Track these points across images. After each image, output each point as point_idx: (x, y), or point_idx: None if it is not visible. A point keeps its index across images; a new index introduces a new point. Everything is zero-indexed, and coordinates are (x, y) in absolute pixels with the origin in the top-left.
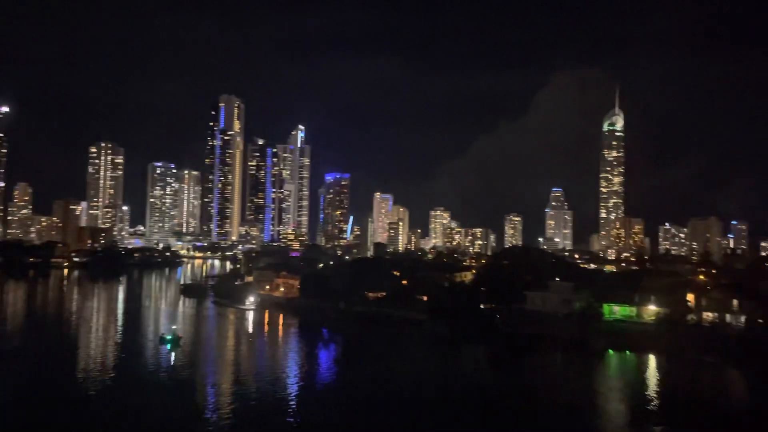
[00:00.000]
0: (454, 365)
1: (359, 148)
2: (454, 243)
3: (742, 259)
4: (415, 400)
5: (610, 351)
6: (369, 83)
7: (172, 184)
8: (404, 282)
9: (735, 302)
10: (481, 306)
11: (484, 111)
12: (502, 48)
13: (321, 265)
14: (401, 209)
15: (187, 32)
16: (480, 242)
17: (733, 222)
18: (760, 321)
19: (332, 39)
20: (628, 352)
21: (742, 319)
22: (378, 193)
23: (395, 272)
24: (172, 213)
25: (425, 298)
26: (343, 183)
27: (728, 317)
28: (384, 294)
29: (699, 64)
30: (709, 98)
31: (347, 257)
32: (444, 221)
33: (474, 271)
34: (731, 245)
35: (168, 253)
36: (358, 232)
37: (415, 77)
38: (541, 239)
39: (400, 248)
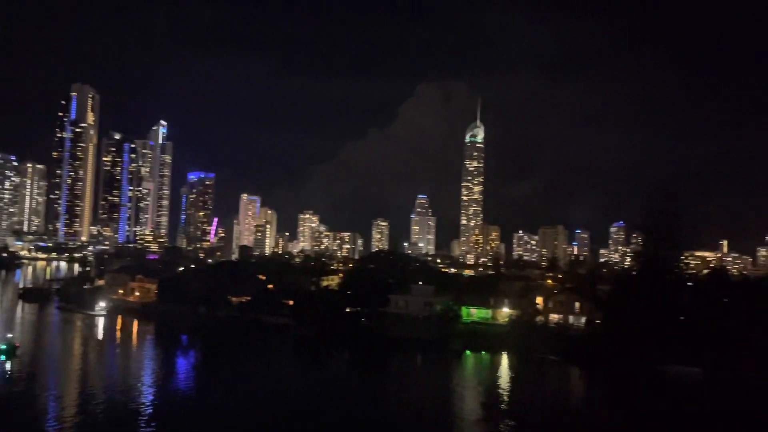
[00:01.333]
0: (318, 369)
1: (226, 147)
2: (323, 247)
3: (584, 264)
4: (274, 406)
5: (468, 351)
6: (239, 82)
7: (12, 178)
8: (270, 286)
9: (577, 304)
10: (348, 309)
11: (354, 117)
12: (373, 56)
13: (181, 269)
14: (269, 212)
15: (41, 15)
16: (348, 246)
17: (577, 231)
18: (597, 321)
19: (201, 35)
20: (483, 352)
21: (583, 319)
22: (245, 195)
23: (261, 276)
24: (11, 210)
25: (291, 303)
26: (207, 183)
27: (571, 318)
28: (249, 298)
29: (552, 85)
30: (559, 116)
31: (210, 260)
32: (313, 225)
33: (341, 275)
34: (575, 252)
35: (5, 254)
36: (223, 235)
37: (286, 79)
38: (406, 244)
39: (267, 251)
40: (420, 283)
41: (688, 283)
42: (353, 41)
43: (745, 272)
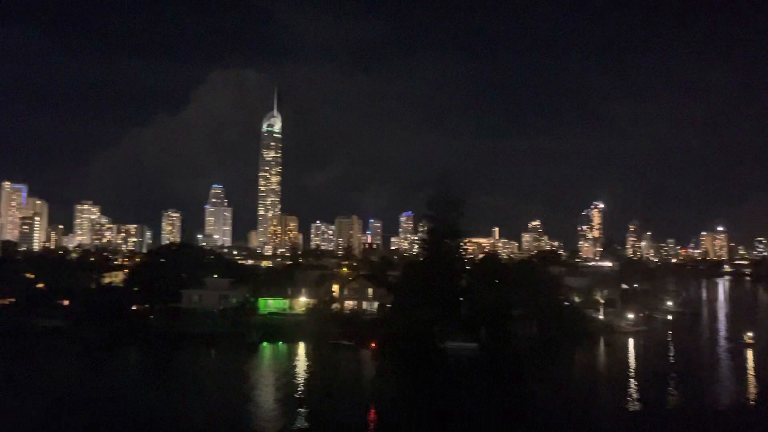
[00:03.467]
0: (100, 372)
1: None
2: (105, 241)
3: (377, 252)
4: (52, 417)
5: (265, 343)
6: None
7: None
8: (41, 285)
9: (370, 290)
10: (135, 307)
11: (141, 101)
12: (160, 37)
13: None
14: (38, 202)
15: None
16: (135, 240)
17: (371, 220)
18: (388, 306)
19: None
20: (281, 342)
21: (375, 304)
22: (7, 183)
23: (29, 275)
24: None
25: (67, 303)
26: None
27: (365, 304)
28: (14, 300)
29: (348, 79)
30: (355, 110)
31: None
32: (92, 216)
33: (127, 270)
34: (369, 240)
35: None
36: None
37: (60, 57)
38: (200, 236)
39: (37, 247)
40: (215, 276)
41: (467, 267)
42: (139, 19)
43: (512, 255)
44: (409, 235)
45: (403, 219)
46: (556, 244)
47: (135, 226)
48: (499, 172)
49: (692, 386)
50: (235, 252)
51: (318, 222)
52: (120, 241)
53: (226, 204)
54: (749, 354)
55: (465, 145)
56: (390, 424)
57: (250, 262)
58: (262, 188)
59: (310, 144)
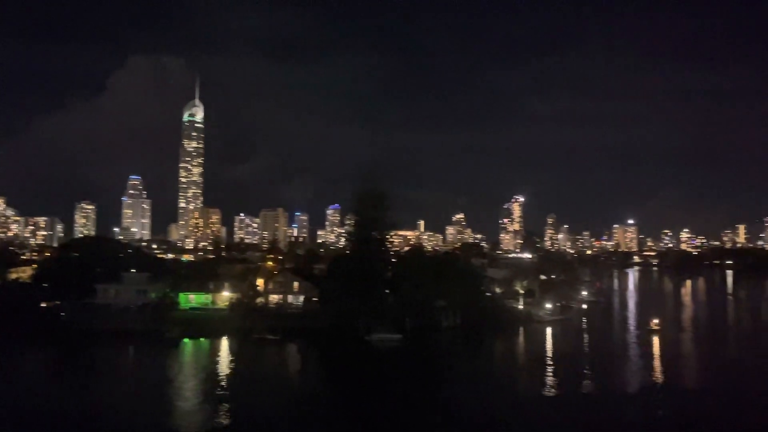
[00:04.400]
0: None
1: None
2: (11, 234)
3: (303, 245)
4: None
5: (186, 339)
6: None
7: None
8: None
9: (296, 284)
10: (44, 304)
11: (50, 86)
12: (70, 18)
13: None
14: None
15: None
16: (45, 233)
17: (297, 213)
18: (314, 299)
19: None
20: (203, 338)
21: (301, 298)
22: None
23: None
24: None
25: None
26: None
27: (290, 298)
28: None
29: (273, 70)
30: (282, 101)
31: None
32: None
33: (35, 265)
34: (295, 234)
35: None
36: None
37: None
38: (117, 229)
39: None
40: (133, 270)
41: (393, 260)
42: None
43: (437, 248)
44: (335, 229)
45: (329, 212)
46: (478, 236)
47: (45, 218)
48: (425, 166)
49: (604, 371)
50: (154, 246)
51: (242, 215)
52: (28, 235)
53: (144, 196)
54: (655, 340)
55: (392, 138)
56: (313, 418)
57: (171, 256)
58: (183, 180)
59: (234, 135)
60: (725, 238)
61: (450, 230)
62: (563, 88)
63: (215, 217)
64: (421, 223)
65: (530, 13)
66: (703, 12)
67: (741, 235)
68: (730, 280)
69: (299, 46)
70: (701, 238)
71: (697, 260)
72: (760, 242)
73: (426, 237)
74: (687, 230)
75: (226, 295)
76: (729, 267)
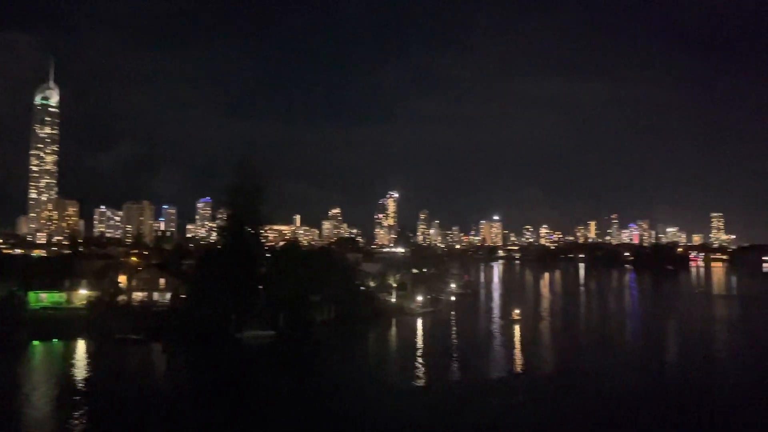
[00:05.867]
0: None
1: None
2: None
3: (171, 240)
4: None
5: (36, 341)
6: None
7: None
8: None
9: (162, 281)
10: None
11: None
12: None
13: None
14: None
15: None
16: None
17: (165, 206)
18: (183, 296)
19: None
20: (56, 340)
21: (168, 295)
22: None
23: None
24: None
25: None
26: None
27: (156, 295)
28: None
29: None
30: (149, 89)
31: None
32: None
33: None
34: (162, 228)
35: None
36: None
37: None
38: None
39: None
40: None
41: (267, 255)
42: None
43: (313, 242)
44: (207, 223)
45: (200, 205)
46: (354, 231)
47: None
48: (301, 160)
49: (470, 360)
50: (0, 240)
51: (103, 207)
52: None
53: None
54: (516, 329)
55: (266, 130)
56: (179, 418)
57: (19, 251)
58: (35, 168)
59: (95, 122)
60: (579, 234)
61: (326, 225)
62: (437, 88)
63: (72, 210)
64: (297, 217)
65: (410, 10)
66: (563, 19)
67: (592, 231)
68: (582, 272)
69: (168, 31)
70: (558, 234)
71: (554, 254)
72: (608, 237)
73: (302, 232)
74: (546, 226)
75: (83, 294)
76: (581, 260)
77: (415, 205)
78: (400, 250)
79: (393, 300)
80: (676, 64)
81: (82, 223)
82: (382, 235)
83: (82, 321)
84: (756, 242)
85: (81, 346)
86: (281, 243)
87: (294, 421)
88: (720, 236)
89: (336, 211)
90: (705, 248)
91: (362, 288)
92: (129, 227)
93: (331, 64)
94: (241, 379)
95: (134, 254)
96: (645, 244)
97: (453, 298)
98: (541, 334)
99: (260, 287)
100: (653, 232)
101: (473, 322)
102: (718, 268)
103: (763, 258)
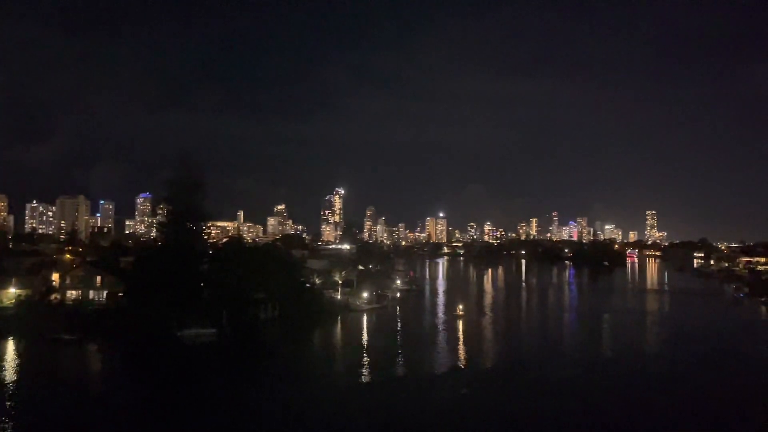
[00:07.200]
0: None
1: None
2: None
3: (108, 236)
4: None
5: None
6: None
7: None
8: None
9: (98, 278)
10: None
11: None
12: None
13: None
14: None
15: None
16: None
17: (102, 201)
18: (120, 294)
19: None
20: None
21: (105, 293)
22: None
23: None
24: None
25: None
26: None
27: (92, 293)
28: None
29: (76, 43)
30: (84, 79)
31: None
32: None
33: None
34: (99, 223)
35: None
36: None
37: None
38: None
39: None
40: None
41: (210, 252)
42: None
43: (257, 239)
44: (146, 219)
45: (139, 201)
46: (300, 227)
47: None
48: (246, 155)
49: (414, 355)
50: None
51: (35, 202)
52: None
53: None
54: (460, 324)
55: (210, 125)
56: (113, 420)
57: None
58: None
59: (24, 113)
60: (521, 231)
61: (271, 221)
62: (383, 85)
63: (1, 204)
64: (241, 213)
65: (358, 6)
66: (508, 19)
67: (533, 228)
68: (524, 267)
69: (102, 19)
70: (501, 231)
71: (497, 250)
72: (548, 234)
73: (246, 228)
74: (489, 223)
75: (12, 292)
76: (523, 256)
77: (362, 201)
78: (346, 246)
79: (339, 297)
80: (614, 67)
81: (11, 218)
82: (328, 232)
83: (10, 321)
84: (686, 239)
85: (10, 346)
86: (224, 239)
87: (231, 420)
88: (653, 233)
89: (281, 207)
90: (640, 245)
91: (307, 285)
92: (63, 223)
93: (277, 58)
94: (179, 380)
95: (68, 251)
96: (584, 241)
97: (398, 295)
98: (483, 329)
99: (202, 285)
100: (591, 229)
101: (418, 319)
102: (652, 264)
103: (694, 254)
